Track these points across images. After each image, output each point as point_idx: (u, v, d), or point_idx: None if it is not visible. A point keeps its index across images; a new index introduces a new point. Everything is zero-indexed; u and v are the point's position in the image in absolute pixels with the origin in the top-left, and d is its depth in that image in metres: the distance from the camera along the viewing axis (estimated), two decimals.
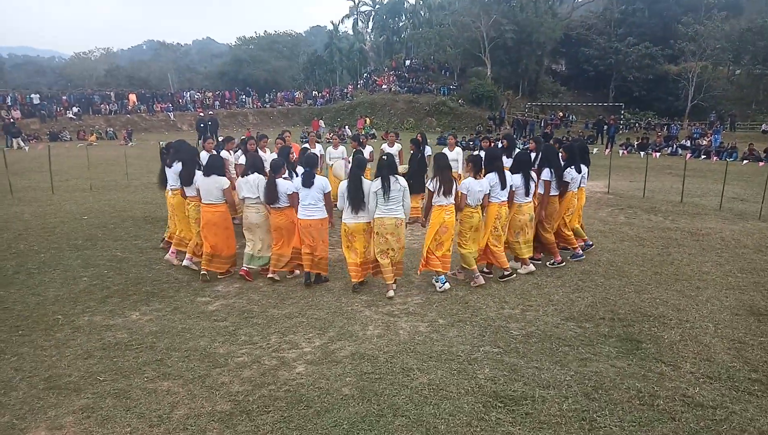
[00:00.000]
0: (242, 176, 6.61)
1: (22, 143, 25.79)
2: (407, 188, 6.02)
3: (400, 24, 58.17)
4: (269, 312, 5.60)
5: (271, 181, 6.35)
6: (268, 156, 8.22)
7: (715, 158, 17.26)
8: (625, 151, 21.27)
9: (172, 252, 7.28)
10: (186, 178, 6.75)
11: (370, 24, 59.70)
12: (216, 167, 6.46)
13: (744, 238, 8.65)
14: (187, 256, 6.98)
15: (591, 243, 7.90)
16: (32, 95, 35.16)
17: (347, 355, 4.62)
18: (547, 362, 4.48)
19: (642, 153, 17.51)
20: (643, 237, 8.73)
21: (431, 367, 4.40)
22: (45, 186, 13.39)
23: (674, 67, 42.05)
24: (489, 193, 6.31)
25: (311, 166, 6.40)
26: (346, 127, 34.73)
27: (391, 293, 6.01)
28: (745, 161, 16.71)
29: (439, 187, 5.99)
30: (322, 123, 37.57)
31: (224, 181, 6.47)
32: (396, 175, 5.97)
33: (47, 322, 5.35)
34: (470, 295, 6.05)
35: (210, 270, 6.56)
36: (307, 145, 9.96)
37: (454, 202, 6.13)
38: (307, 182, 6.17)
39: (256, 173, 6.49)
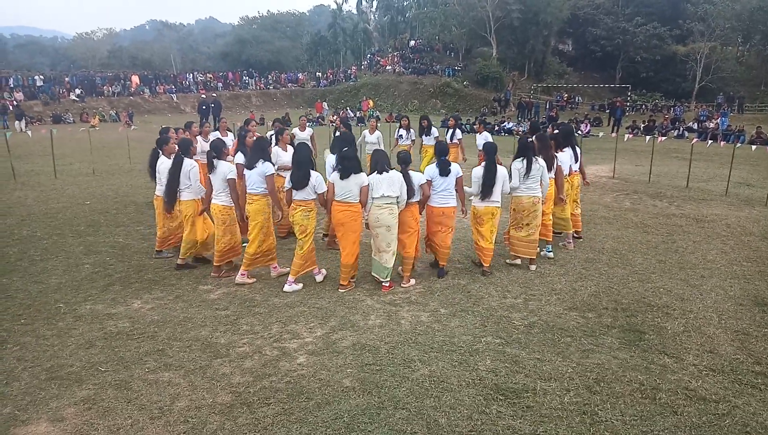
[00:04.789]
0: (376, 172, 5.79)
1: (23, 127, 25.72)
2: (546, 168, 6.41)
3: (405, 3, 57.34)
4: (271, 301, 5.59)
5: (405, 174, 5.97)
6: (229, 139, 8.08)
7: (722, 142, 17.00)
8: (631, 135, 21.05)
9: (242, 273, 6.11)
10: (301, 182, 5.77)
11: (375, 3, 58.92)
12: (352, 167, 5.71)
13: (750, 225, 8.57)
14: (290, 278, 5.95)
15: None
16: (35, 77, 34.97)
17: (348, 345, 4.61)
18: (549, 353, 4.46)
19: (648, 136, 17.31)
20: (647, 224, 8.65)
21: (432, 358, 4.38)
22: (48, 170, 13.36)
23: (682, 47, 41.37)
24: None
25: (444, 153, 6.31)
26: (348, 108, 34.50)
27: (533, 267, 6.48)
28: (753, 146, 16.47)
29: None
30: (325, 105, 37.33)
31: (364, 178, 5.75)
32: (537, 157, 6.34)
33: (49, 310, 5.36)
34: (472, 284, 6.02)
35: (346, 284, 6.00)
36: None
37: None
38: (444, 170, 6.14)
39: (393, 170, 5.85)
